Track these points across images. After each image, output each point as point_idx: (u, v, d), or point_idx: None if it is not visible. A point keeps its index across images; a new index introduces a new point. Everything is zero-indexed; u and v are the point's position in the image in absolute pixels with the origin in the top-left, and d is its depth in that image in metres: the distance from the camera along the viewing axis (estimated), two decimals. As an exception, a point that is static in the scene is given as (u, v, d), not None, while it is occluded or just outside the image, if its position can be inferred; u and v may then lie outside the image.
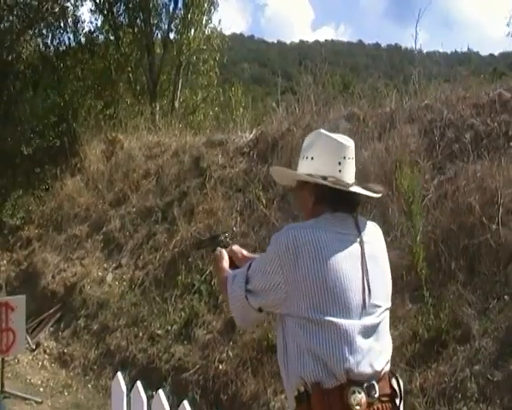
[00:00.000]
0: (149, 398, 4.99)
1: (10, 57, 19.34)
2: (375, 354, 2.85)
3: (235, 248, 3.70)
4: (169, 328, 9.56)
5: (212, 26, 23.24)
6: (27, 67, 19.83)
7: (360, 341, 2.81)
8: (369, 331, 2.85)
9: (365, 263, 2.92)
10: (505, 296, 6.53)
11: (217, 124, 18.96)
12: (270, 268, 2.92)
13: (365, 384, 2.78)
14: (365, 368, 2.79)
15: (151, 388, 7.22)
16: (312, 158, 3.12)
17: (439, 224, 7.58)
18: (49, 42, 20.75)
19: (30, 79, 19.67)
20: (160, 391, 4.81)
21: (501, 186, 7.30)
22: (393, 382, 2.96)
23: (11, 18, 19.93)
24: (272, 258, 2.93)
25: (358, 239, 2.96)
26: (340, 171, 3.03)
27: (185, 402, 4.57)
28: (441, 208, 7.77)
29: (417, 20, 11.58)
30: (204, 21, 22.84)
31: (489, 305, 6.55)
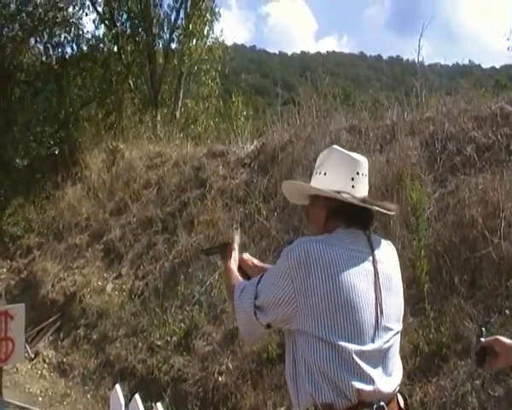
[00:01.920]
0: (148, 409, 4.98)
1: (12, 65, 19.35)
2: (385, 376, 2.81)
3: (246, 256, 3.65)
4: (169, 339, 9.53)
5: (213, 36, 23.35)
6: (29, 75, 19.87)
7: (371, 363, 2.77)
8: (380, 354, 2.82)
9: (379, 283, 2.87)
10: (506, 310, 6.50)
11: (218, 134, 18.99)
12: (281, 282, 2.87)
13: (375, 406, 2.74)
14: (377, 390, 2.75)
15: (150, 399, 7.23)
16: (325, 174, 3.08)
17: (440, 237, 7.56)
18: (51, 51, 20.79)
19: (32, 88, 19.71)
20: (159, 404, 4.80)
21: (503, 199, 7.29)
22: (401, 400, 2.93)
23: (14, 26, 19.97)
24: (283, 271, 2.88)
25: (371, 257, 2.91)
26: (353, 187, 3.00)
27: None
28: (443, 221, 7.75)
29: (421, 34, 11.59)
30: (205, 32, 22.94)
31: (490, 319, 6.52)
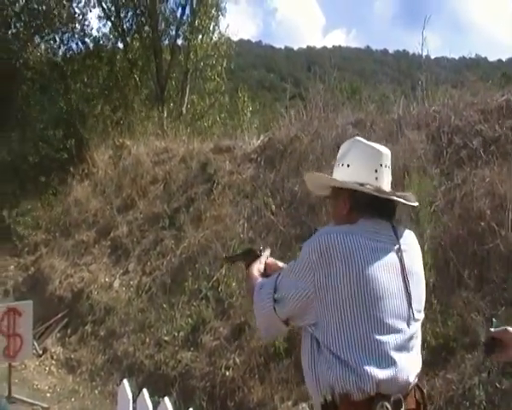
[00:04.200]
0: (156, 404, 4.98)
1: (18, 63, 19.38)
2: (406, 368, 2.78)
3: (270, 261, 3.54)
4: (176, 334, 9.54)
5: (219, 32, 23.31)
6: (35, 72, 19.88)
7: (393, 354, 2.74)
8: (403, 344, 2.80)
9: (405, 273, 2.85)
10: (514, 303, 6.49)
11: (224, 130, 18.96)
12: (302, 274, 2.85)
13: (392, 398, 2.71)
14: (396, 382, 2.73)
15: (158, 394, 7.22)
16: (348, 165, 3.04)
17: (447, 230, 7.55)
18: (56, 48, 20.85)
19: (37, 85, 19.72)
20: (166, 399, 4.80)
21: (510, 191, 7.27)
22: (418, 395, 2.90)
23: (19, 24, 20.01)
24: (304, 263, 2.86)
25: (396, 247, 2.88)
26: (376, 178, 2.97)
27: (191, 410, 4.57)
28: (450, 215, 7.73)
29: (423, 26, 11.53)
30: (211, 27, 22.90)
31: (497, 312, 6.50)
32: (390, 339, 2.75)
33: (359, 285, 2.74)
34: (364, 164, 3.01)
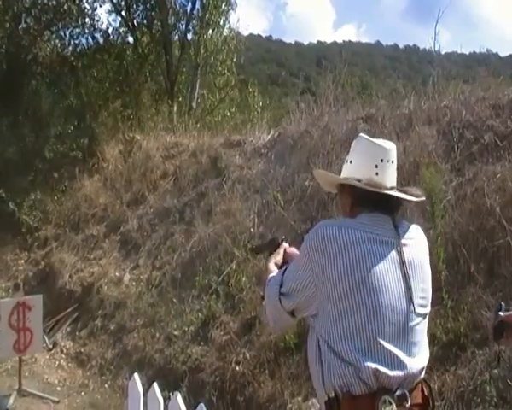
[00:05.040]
0: (166, 399, 4.98)
1: (28, 58, 19.40)
2: (408, 361, 2.77)
3: (290, 250, 3.61)
4: (186, 329, 9.54)
5: (229, 26, 23.31)
6: (45, 67, 19.88)
7: (390, 346, 2.75)
8: (402, 337, 2.79)
9: (406, 267, 2.86)
10: (525, 299, 6.46)
11: (234, 124, 18.97)
12: (301, 267, 2.93)
13: (397, 393, 2.72)
14: (397, 376, 2.73)
15: (168, 388, 7.24)
16: (351, 162, 3.12)
17: (458, 225, 7.52)
18: (66, 42, 20.86)
19: (48, 80, 19.74)
20: (177, 393, 4.80)
21: (521, 188, 7.24)
22: (427, 390, 2.89)
23: (29, 19, 20.03)
24: (303, 255, 2.95)
25: (396, 241, 2.89)
26: (377, 174, 3.00)
27: (202, 405, 4.57)
28: (460, 210, 7.71)
29: (437, 20, 11.53)
30: (222, 22, 22.91)
31: (509, 308, 6.46)
32: (387, 330, 2.76)
33: (353, 277, 2.77)
34: (365, 160, 3.06)
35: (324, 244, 2.83)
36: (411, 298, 2.83)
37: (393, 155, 3.08)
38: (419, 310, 2.87)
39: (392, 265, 2.84)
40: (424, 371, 2.89)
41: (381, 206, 2.96)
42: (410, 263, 2.88)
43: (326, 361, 2.81)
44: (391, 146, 3.09)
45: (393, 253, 2.87)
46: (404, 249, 2.89)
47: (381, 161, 3.02)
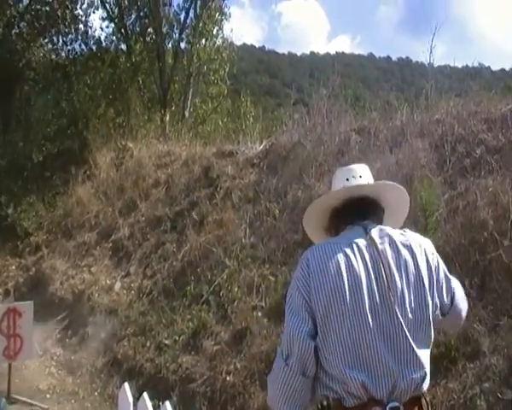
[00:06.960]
0: (156, 408, 4.99)
1: (21, 64, 19.40)
2: (397, 372, 2.71)
3: None
4: (177, 338, 9.53)
5: (222, 36, 23.39)
6: (38, 73, 19.91)
7: (373, 354, 2.71)
8: (387, 344, 2.74)
9: (382, 274, 2.81)
10: (516, 313, 6.49)
11: (227, 134, 19.00)
12: (294, 298, 2.88)
13: (390, 405, 2.67)
14: (382, 383, 2.69)
15: (158, 398, 7.23)
16: (330, 189, 3.31)
17: (450, 239, 7.53)
18: (59, 49, 20.89)
19: (40, 85, 19.75)
20: (167, 403, 4.81)
21: (513, 202, 7.26)
22: (424, 403, 2.82)
23: (22, 24, 20.04)
24: (292, 286, 2.92)
25: (372, 249, 2.86)
26: (343, 186, 3.16)
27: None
28: (452, 223, 7.73)
29: (433, 34, 11.57)
30: (215, 32, 22.99)
31: (499, 322, 6.49)
32: (369, 339, 2.72)
33: (331, 290, 2.78)
34: (337, 182, 3.22)
35: (309, 266, 2.87)
36: (393, 305, 2.77)
37: (361, 172, 3.21)
38: (410, 315, 2.79)
39: (373, 272, 2.82)
40: (423, 384, 2.81)
41: (352, 214, 3.06)
42: (392, 268, 2.83)
43: (316, 379, 2.81)
44: (358, 166, 3.25)
45: (369, 260, 2.85)
46: (382, 256, 2.85)
47: (347, 180, 3.17)
